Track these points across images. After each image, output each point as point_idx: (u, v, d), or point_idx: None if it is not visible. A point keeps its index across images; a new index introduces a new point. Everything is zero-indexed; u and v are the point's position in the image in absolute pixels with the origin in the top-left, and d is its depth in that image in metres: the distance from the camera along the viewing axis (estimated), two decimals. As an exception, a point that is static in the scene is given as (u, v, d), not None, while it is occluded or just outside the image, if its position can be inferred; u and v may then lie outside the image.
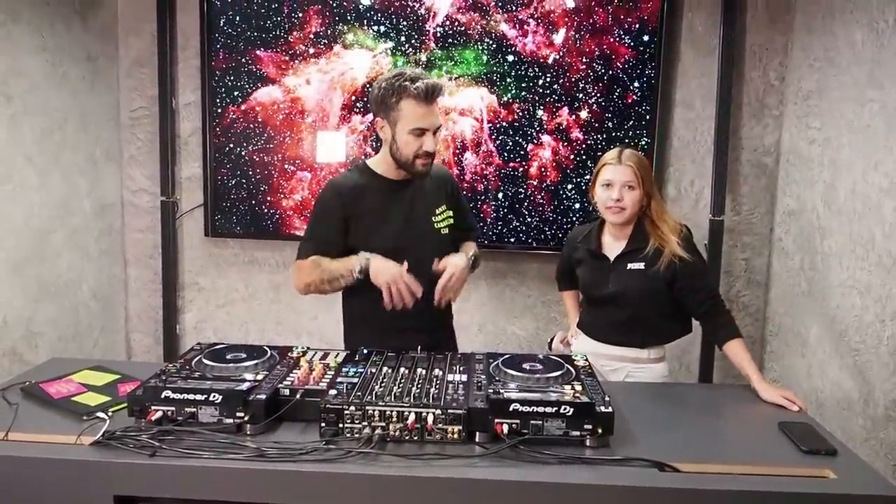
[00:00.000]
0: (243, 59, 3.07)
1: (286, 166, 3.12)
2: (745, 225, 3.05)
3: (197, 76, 3.10)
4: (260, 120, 3.11)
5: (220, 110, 3.10)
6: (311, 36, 3.04)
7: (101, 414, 1.63)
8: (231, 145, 3.13)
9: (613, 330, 2.13)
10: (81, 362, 2.03)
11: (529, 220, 3.09)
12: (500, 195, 3.08)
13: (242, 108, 3.10)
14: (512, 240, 3.10)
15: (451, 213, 2.12)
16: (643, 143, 2.96)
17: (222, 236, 3.21)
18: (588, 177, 2.97)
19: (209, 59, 3.06)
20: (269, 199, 3.15)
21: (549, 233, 3.08)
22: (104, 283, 3.19)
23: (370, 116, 3.04)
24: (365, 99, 3.03)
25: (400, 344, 1.93)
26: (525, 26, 2.96)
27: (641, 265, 2.05)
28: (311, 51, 3.04)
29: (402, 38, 3.00)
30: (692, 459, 1.49)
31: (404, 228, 2.02)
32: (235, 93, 3.09)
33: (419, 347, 1.92)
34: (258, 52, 3.06)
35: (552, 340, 2.36)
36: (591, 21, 2.94)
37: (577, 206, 3.06)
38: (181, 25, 3.10)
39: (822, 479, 1.45)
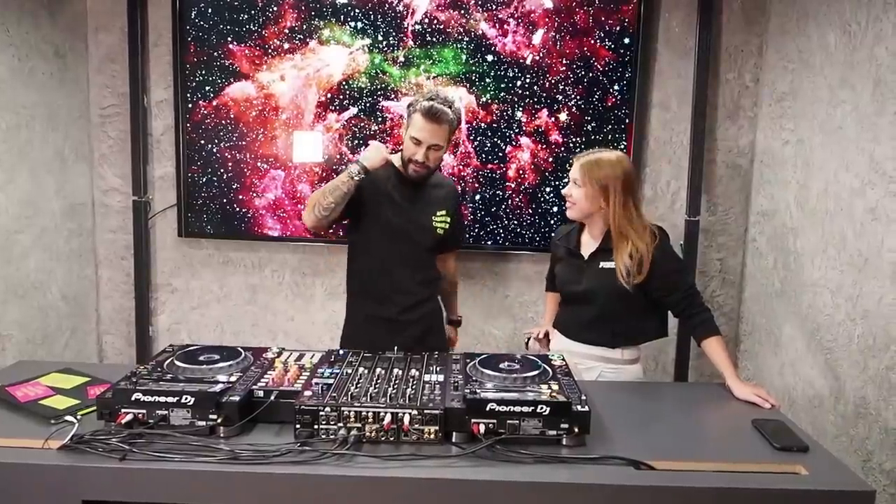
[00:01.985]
0: (215, 53, 3.01)
1: (259, 164, 3.08)
2: (720, 225, 3.08)
3: (169, 73, 3.05)
4: (232, 116, 3.05)
5: (190, 105, 3.04)
6: (286, 31, 2.99)
7: (69, 417, 1.59)
8: (202, 142, 3.07)
9: (585, 328, 2.14)
10: (49, 365, 1.98)
11: (507, 223, 3.08)
12: (478, 197, 3.07)
13: (214, 103, 3.04)
14: (489, 242, 3.09)
15: (449, 219, 2.38)
16: (622, 146, 2.95)
17: (196, 236, 3.16)
18: (566, 180, 2.97)
19: (181, 55, 3.00)
20: (240, 197, 3.09)
21: (526, 236, 3.08)
22: (74, 285, 3.12)
23: (346, 114, 3.02)
24: (341, 97, 3.00)
25: (395, 312, 2.32)
26: (505, 26, 2.95)
27: (613, 264, 2.07)
28: (286, 46, 3.00)
29: (380, 36, 2.97)
30: (667, 457, 1.50)
31: (407, 213, 2.30)
32: (207, 88, 3.03)
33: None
34: (231, 46, 3.01)
35: (528, 340, 2.37)
36: (571, 22, 2.93)
37: (556, 209, 3.05)
38: (152, 21, 3.05)
39: (794, 475, 1.47)
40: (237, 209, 3.11)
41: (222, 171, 3.09)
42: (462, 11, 2.94)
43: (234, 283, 3.23)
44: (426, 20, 2.96)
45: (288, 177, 3.08)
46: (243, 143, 3.06)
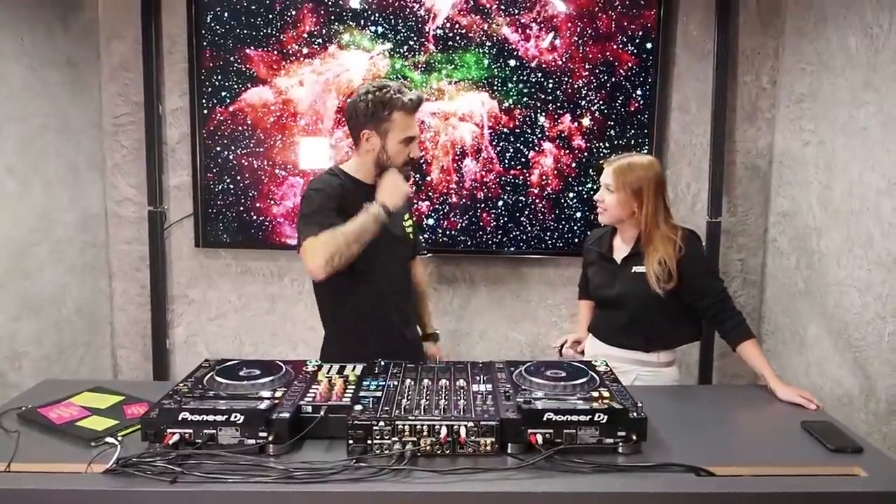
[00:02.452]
0: (231, 58, 2.97)
1: (277, 171, 3.04)
2: (741, 226, 3.09)
3: (184, 80, 3.01)
4: (249, 122, 3.01)
5: (206, 111, 2.99)
6: (305, 35, 2.95)
7: (110, 439, 1.55)
8: (218, 148, 3.02)
9: (619, 332, 2.15)
10: (77, 384, 1.93)
11: (530, 228, 3.06)
12: (500, 203, 3.04)
13: (231, 109, 3.00)
14: (512, 248, 3.07)
15: (411, 221, 2.26)
16: (644, 151, 2.94)
17: (213, 246, 3.12)
18: (590, 185, 2.98)
19: (197, 62, 2.96)
20: (258, 205, 3.05)
21: (549, 242, 3.06)
22: (88, 298, 3.07)
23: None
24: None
25: (383, 337, 2.12)
26: (527, 30, 2.93)
27: (644, 269, 2.07)
28: (305, 51, 2.96)
29: (401, 40, 2.94)
30: (725, 462, 1.49)
31: (383, 230, 2.01)
32: (223, 93, 2.99)
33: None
34: (248, 50, 2.97)
35: (562, 346, 2.36)
36: (594, 27, 2.92)
37: (579, 214, 3.04)
38: (166, 28, 3.01)
39: (853, 476, 1.46)
40: (254, 217, 3.07)
41: (239, 178, 3.05)
42: (484, 16, 2.92)
43: (252, 293, 3.20)
44: (448, 24, 2.94)
45: (306, 184, 3.03)
46: (260, 149, 3.02)
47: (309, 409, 1.60)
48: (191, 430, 1.50)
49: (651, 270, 2.04)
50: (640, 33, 2.92)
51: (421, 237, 2.52)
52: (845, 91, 2.46)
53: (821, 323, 2.60)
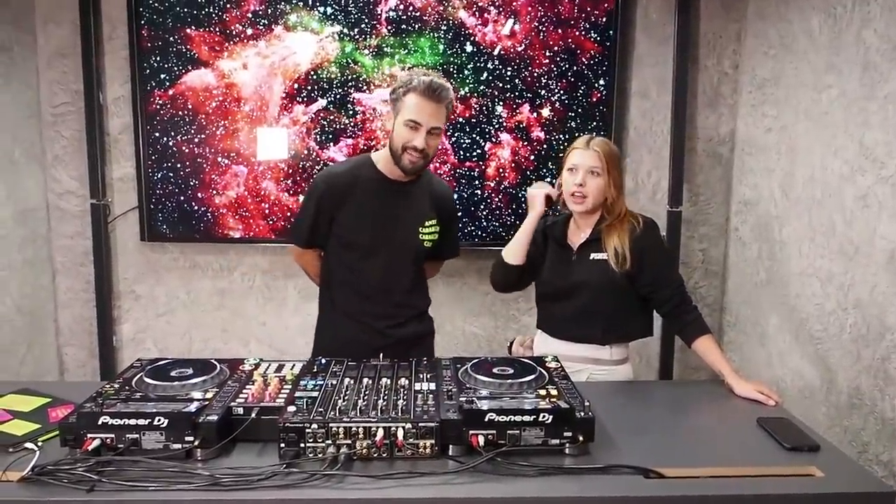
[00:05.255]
0: (171, 38, 2.80)
1: (220, 160, 2.89)
2: (702, 216, 3.04)
3: (126, 68, 2.86)
4: (190, 107, 2.85)
5: (145, 94, 2.83)
6: (249, 15, 2.80)
7: (29, 445, 1.47)
8: (157, 134, 2.86)
9: (572, 323, 2.06)
10: (7, 385, 1.83)
11: (486, 224, 2.95)
12: (455, 197, 2.90)
13: (170, 93, 2.84)
14: (468, 240, 2.96)
15: (438, 229, 2.14)
16: (602, 134, 2.85)
17: (160, 240, 3.00)
18: (549, 179, 2.88)
19: (138, 48, 2.81)
20: (199, 195, 2.91)
21: (507, 237, 2.92)
22: (29, 295, 2.93)
23: (314, 106, 2.86)
24: (309, 87, 2.85)
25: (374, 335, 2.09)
26: (485, 14, 2.81)
27: (604, 255, 2.01)
28: (249, 31, 2.81)
29: (351, 22, 2.81)
30: (676, 463, 1.43)
31: (387, 230, 2.05)
32: (162, 75, 2.83)
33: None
34: (188, 30, 2.81)
35: (511, 344, 2.28)
36: (555, 11, 2.81)
37: None
38: (106, 11, 2.86)
39: (809, 476, 1.41)
40: (196, 208, 2.93)
41: (179, 166, 2.89)
42: (439, -2, 2.79)
43: (201, 288, 3.08)
44: (401, 6, 2.81)
45: (251, 173, 2.91)
46: (202, 136, 2.87)
47: (240, 410, 1.52)
48: (112, 435, 1.42)
49: (611, 254, 1.98)
50: (604, 19, 2.83)
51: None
52: (808, 74, 2.40)
53: (782, 314, 2.56)
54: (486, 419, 1.43)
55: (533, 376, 1.63)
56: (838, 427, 2.19)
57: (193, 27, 2.81)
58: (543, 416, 1.44)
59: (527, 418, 1.44)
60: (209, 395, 1.55)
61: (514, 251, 2.10)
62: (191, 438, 1.42)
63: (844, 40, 2.19)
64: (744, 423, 1.67)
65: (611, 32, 2.84)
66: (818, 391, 2.31)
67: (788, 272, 2.51)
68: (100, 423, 1.41)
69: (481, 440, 1.42)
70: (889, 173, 1.96)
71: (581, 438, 1.45)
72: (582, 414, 1.46)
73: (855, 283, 2.12)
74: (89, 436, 1.41)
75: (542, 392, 1.56)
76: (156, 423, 1.42)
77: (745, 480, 1.38)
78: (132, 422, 1.42)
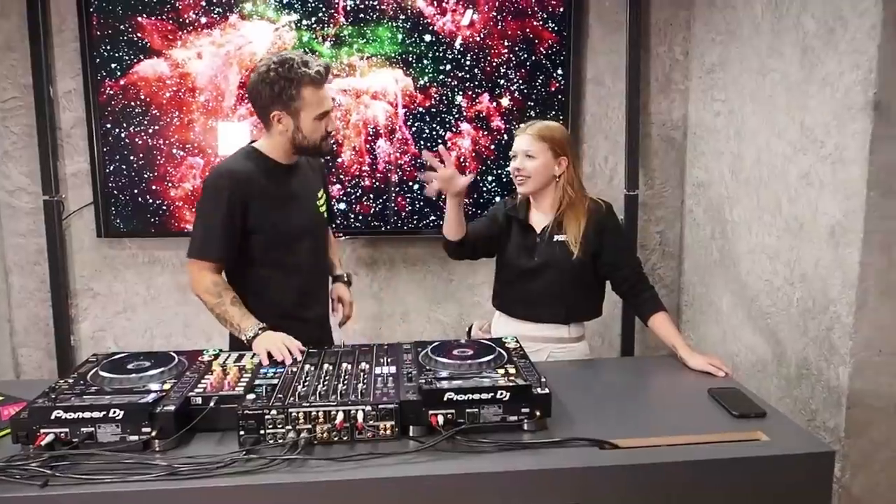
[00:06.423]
0: (122, 26, 2.74)
1: (175, 151, 2.84)
2: (658, 199, 3.11)
3: (76, 60, 2.80)
4: (143, 97, 2.80)
5: (95, 84, 2.77)
6: (203, 3, 2.75)
7: (-20, 444, 1.44)
8: (109, 125, 2.80)
9: (535, 304, 2.10)
10: (-44, 386, 1.80)
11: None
12: (416, 186, 2.93)
13: (122, 83, 2.78)
14: (431, 227, 2.97)
15: (325, 197, 2.17)
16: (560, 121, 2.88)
17: (117, 236, 2.94)
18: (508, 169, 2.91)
19: (88, 37, 2.74)
20: (154, 188, 2.86)
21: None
22: (-19, 296, 2.86)
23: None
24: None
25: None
26: (444, 4, 2.82)
27: (565, 237, 2.05)
28: (203, 20, 2.76)
29: (308, 11, 2.78)
30: (630, 434, 1.47)
31: (302, 211, 2.03)
32: (113, 65, 2.76)
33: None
34: (140, 18, 2.75)
35: (471, 329, 2.31)
36: (513, 2, 2.83)
37: (498, 199, 2.93)
38: (54, 3, 2.79)
39: (755, 441, 1.47)
40: (151, 201, 2.88)
41: (133, 159, 2.84)
42: (398, -13, 2.78)
43: (161, 284, 3.04)
44: (360, -5, 2.79)
45: (207, 165, 2.87)
46: (156, 127, 2.82)
47: (199, 400, 1.51)
48: (66, 430, 1.40)
49: (571, 238, 2.02)
50: (561, 10, 2.86)
51: (333, 211, 2.40)
52: (753, 59, 2.47)
53: (735, 291, 2.63)
54: (445, 398, 1.45)
55: (492, 356, 1.66)
56: (789, 398, 2.27)
57: (145, 15, 2.76)
58: (501, 394, 1.47)
59: (485, 396, 1.46)
60: (167, 387, 1.54)
61: (448, 228, 2.11)
62: (148, 429, 1.41)
63: (785, 25, 2.26)
64: (695, 395, 1.72)
65: (567, 23, 2.87)
66: (770, 364, 2.39)
67: (739, 251, 2.59)
68: (52, 417, 1.40)
69: (441, 420, 1.44)
70: (828, 152, 2.03)
71: (538, 414, 1.48)
72: (539, 390, 1.49)
73: (800, 259, 2.19)
74: (42, 431, 1.39)
75: (501, 371, 1.58)
76: (111, 415, 1.41)
77: (696, 447, 1.43)
78: (86, 415, 1.40)
